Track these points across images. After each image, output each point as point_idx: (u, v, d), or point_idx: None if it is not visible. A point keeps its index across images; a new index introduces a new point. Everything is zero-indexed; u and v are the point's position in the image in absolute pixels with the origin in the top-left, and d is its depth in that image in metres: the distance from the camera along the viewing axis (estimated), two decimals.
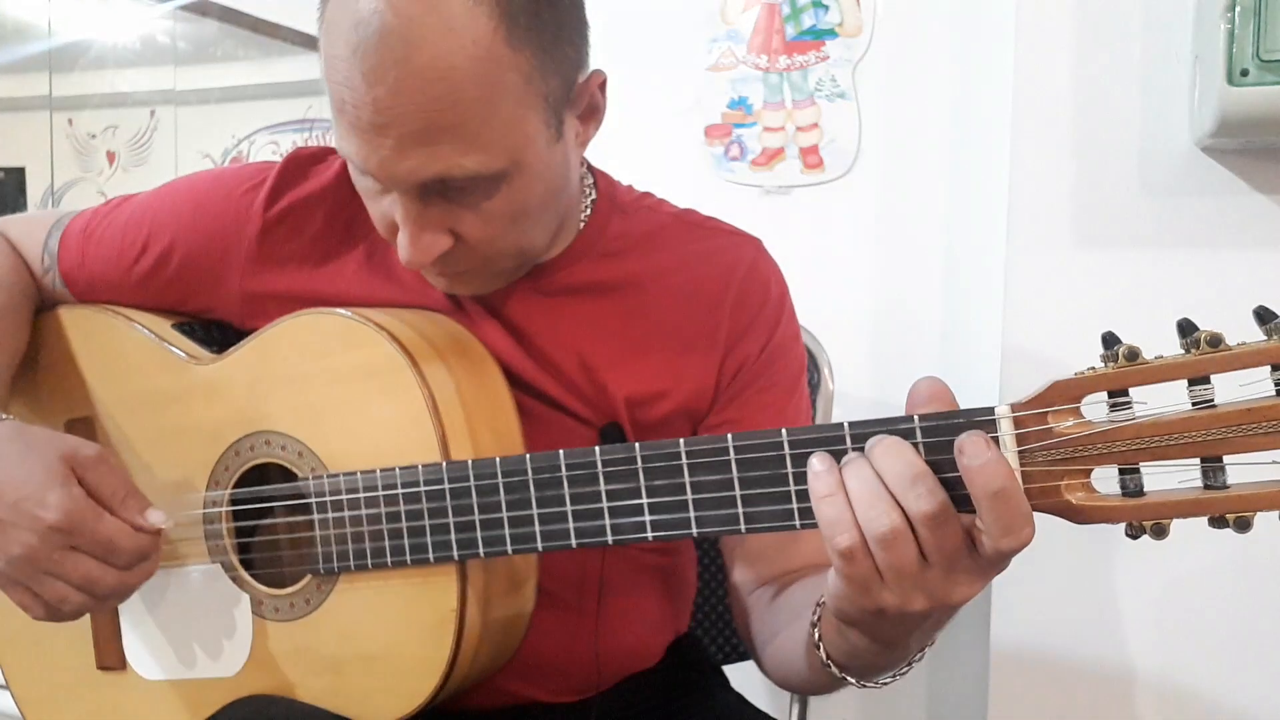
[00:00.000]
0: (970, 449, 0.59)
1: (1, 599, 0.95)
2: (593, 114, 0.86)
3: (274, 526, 0.89)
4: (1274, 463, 0.57)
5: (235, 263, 0.92)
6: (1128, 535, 0.60)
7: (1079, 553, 1.23)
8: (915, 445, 0.62)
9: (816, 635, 0.73)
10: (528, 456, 0.74)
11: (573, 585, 0.89)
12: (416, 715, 0.80)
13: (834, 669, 0.73)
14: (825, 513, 0.62)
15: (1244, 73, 1.06)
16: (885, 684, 0.75)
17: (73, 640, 0.94)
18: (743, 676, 1.11)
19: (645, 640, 0.96)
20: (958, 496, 0.61)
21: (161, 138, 2.11)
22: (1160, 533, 0.59)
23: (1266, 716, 1.19)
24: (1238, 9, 1.06)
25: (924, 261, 1.47)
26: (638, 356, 0.90)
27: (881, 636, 0.68)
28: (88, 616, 0.93)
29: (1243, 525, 0.57)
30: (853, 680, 0.74)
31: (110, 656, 0.93)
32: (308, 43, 1.98)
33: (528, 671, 0.87)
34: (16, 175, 2.21)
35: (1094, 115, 1.21)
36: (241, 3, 2.00)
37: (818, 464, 0.64)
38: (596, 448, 0.72)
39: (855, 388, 1.47)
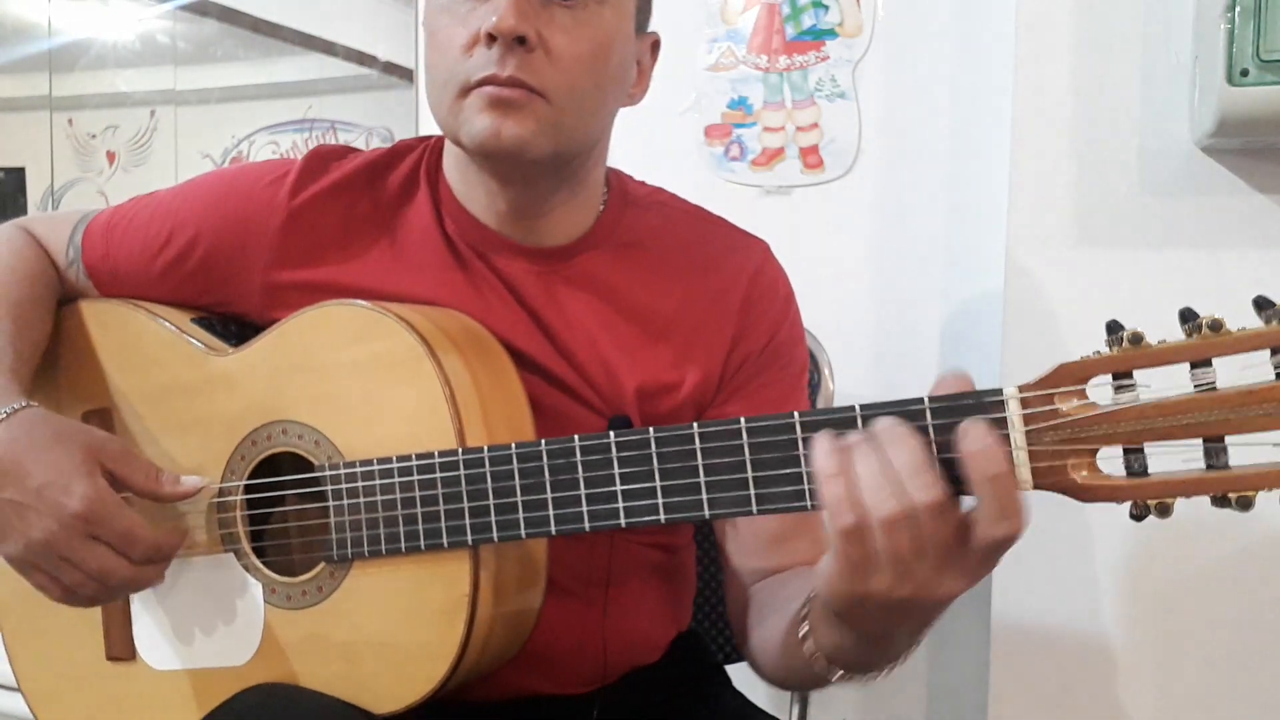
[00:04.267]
0: (971, 434, 0.61)
1: (9, 594, 0.96)
2: (642, 73, 0.93)
3: (287, 515, 0.90)
4: (1275, 444, 0.58)
5: (258, 254, 0.94)
6: (1132, 516, 0.61)
7: (1080, 539, 1.23)
8: (924, 427, 0.64)
9: (805, 628, 0.74)
10: (543, 441, 0.76)
11: (579, 577, 0.90)
12: (426, 702, 0.80)
13: (821, 659, 0.74)
14: (831, 491, 0.64)
15: (1244, 73, 1.06)
16: (867, 680, 0.76)
17: (82, 632, 0.95)
18: (744, 676, 1.11)
19: (650, 633, 0.97)
20: (960, 477, 0.62)
21: (161, 138, 2.11)
22: (1164, 512, 0.61)
23: (1267, 700, 1.19)
24: (1238, 9, 1.06)
25: (924, 261, 1.47)
26: (648, 349, 0.91)
27: (866, 628, 0.69)
28: (98, 608, 0.94)
29: (1244, 504, 0.59)
30: (836, 674, 0.75)
31: (120, 647, 0.93)
32: (307, 42, 1.99)
33: (533, 663, 0.88)
34: (16, 175, 2.21)
35: (1094, 115, 1.21)
36: (241, 3, 2.01)
37: (823, 443, 0.65)
38: (610, 432, 0.74)
39: (855, 388, 1.47)
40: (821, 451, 0.64)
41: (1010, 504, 0.61)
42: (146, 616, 0.93)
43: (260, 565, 0.87)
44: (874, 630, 0.69)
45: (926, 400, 0.64)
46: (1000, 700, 1.28)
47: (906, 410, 0.64)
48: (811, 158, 1.51)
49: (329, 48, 1.96)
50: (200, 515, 0.89)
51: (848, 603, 0.67)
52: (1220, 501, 0.59)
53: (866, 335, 1.50)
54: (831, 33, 1.50)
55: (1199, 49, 1.14)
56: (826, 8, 1.50)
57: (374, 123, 1.92)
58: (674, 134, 1.56)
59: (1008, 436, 0.62)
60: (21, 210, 2.21)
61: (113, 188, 2.15)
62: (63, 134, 2.18)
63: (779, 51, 1.52)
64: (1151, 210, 1.20)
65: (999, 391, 0.63)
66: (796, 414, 0.68)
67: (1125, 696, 1.24)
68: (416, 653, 0.80)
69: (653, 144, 1.55)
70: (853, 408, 0.66)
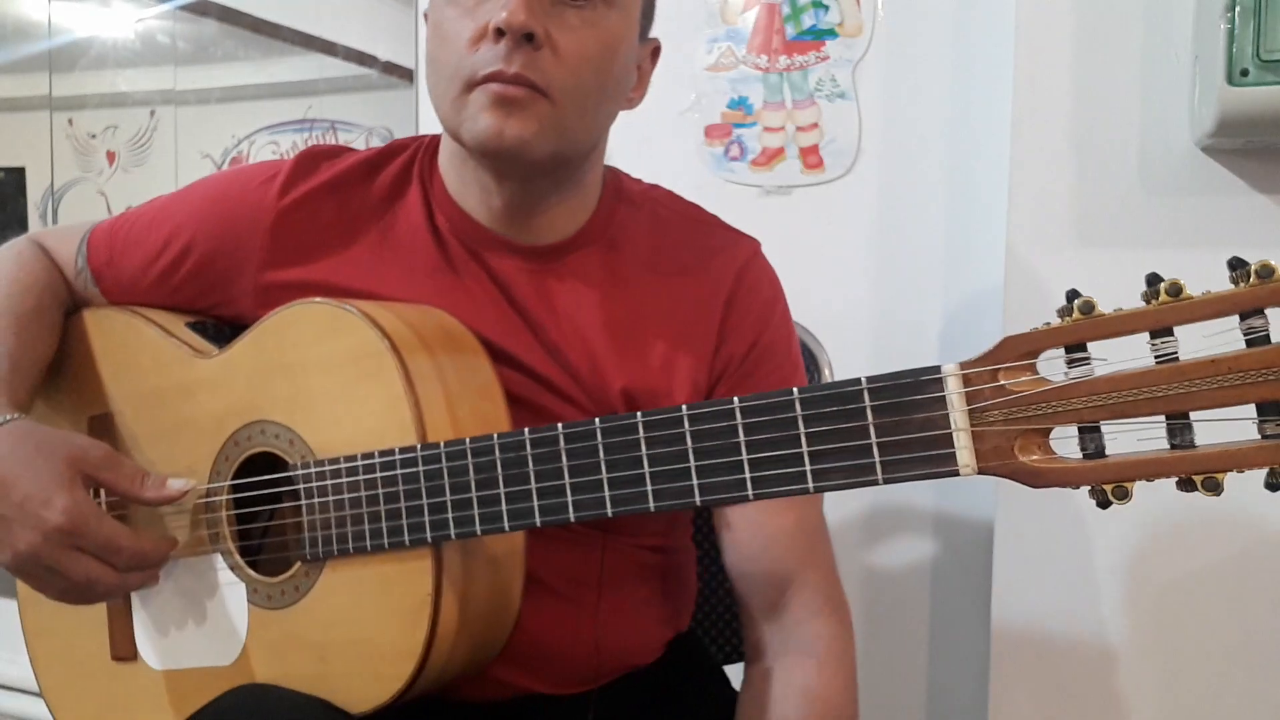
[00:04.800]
0: None
1: (30, 591, 0.97)
2: (642, 79, 0.93)
3: (270, 514, 0.91)
4: (1248, 420, 0.53)
5: (251, 255, 0.94)
6: (1095, 502, 0.57)
7: (1080, 539, 1.23)
8: (863, 409, 0.62)
9: None
10: (495, 435, 0.75)
11: (570, 578, 0.90)
12: (405, 702, 0.80)
13: None
14: None
15: (1244, 73, 1.06)
16: None
17: (92, 631, 0.96)
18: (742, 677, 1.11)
19: (644, 634, 0.97)
20: (903, 460, 0.61)
21: (161, 138, 2.11)
22: (1123, 496, 0.56)
23: (1268, 701, 1.19)
24: (1238, 9, 1.06)
25: (924, 261, 1.47)
26: (636, 350, 0.91)
27: None
28: (104, 609, 0.95)
29: (1211, 486, 0.54)
30: None
31: (123, 647, 0.94)
32: (308, 43, 1.99)
33: (526, 662, 0.88)
34: (16, 175, 2.21)
35: (1094, 115, 1.21)
36: (241, 3, 2.01)
37: None
38: (559, 424, 0.73)
39: None
40: None
41: None
42: (146, 617, 0.94)
43: (244, 565, 0.88)
44: None
45: (864, 381, 0.62)
46: (1000, 700, 1.27)
47: (843, 392, 0.62)
48: (811, 158, 1.51)
49: (329, 48, 1.96)
50: (188, 517, 0.90)
51: None
52: (1185, 484, 0.54)
53: (866, 335, 1.50)
54: (831, 33, 1.50)
55: (1199, 49, 1.14)
56: (826, 8, 1.50)
57: (374, 123, 1.92)
58: (674, 134, 1.56)
59: (949, 417, 0.59)
60: (21, 210, 2.22)
61: (113, 188, 2.15)
62: (63, 134, 2.18)
63: (779, 51, 1.52)
64: (1151, 210, 1.20)
65: (937, 369, 0.60)
66: (736, 400, 0.66)
67: (1125, 696, 1.24)
68: (384, 653, 0.80)
69: (653, 144, 1.55)
70: (790, 391, 0.64)
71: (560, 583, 0.89)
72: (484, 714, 0.89)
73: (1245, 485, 0.56)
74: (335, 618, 0.83)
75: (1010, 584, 1.26)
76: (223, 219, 0.95)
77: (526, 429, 0.74)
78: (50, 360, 0.97)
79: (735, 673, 1.09)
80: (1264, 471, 0.53)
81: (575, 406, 0.89)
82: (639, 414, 0.70)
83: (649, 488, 0.70)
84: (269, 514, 0.93)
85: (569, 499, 0.73)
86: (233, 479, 0.88)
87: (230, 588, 0.88)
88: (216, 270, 0.95)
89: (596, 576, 0.91)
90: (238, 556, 0.88)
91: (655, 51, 0.95)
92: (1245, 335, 0.53)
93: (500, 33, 0.80)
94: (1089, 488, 0.57)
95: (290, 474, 0.84)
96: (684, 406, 0.68)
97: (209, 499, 0.89)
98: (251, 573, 0.87)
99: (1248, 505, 1.16)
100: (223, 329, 0.99)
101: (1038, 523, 1.24)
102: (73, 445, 0.83)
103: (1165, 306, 0.54)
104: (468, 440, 0.76)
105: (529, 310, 0.91)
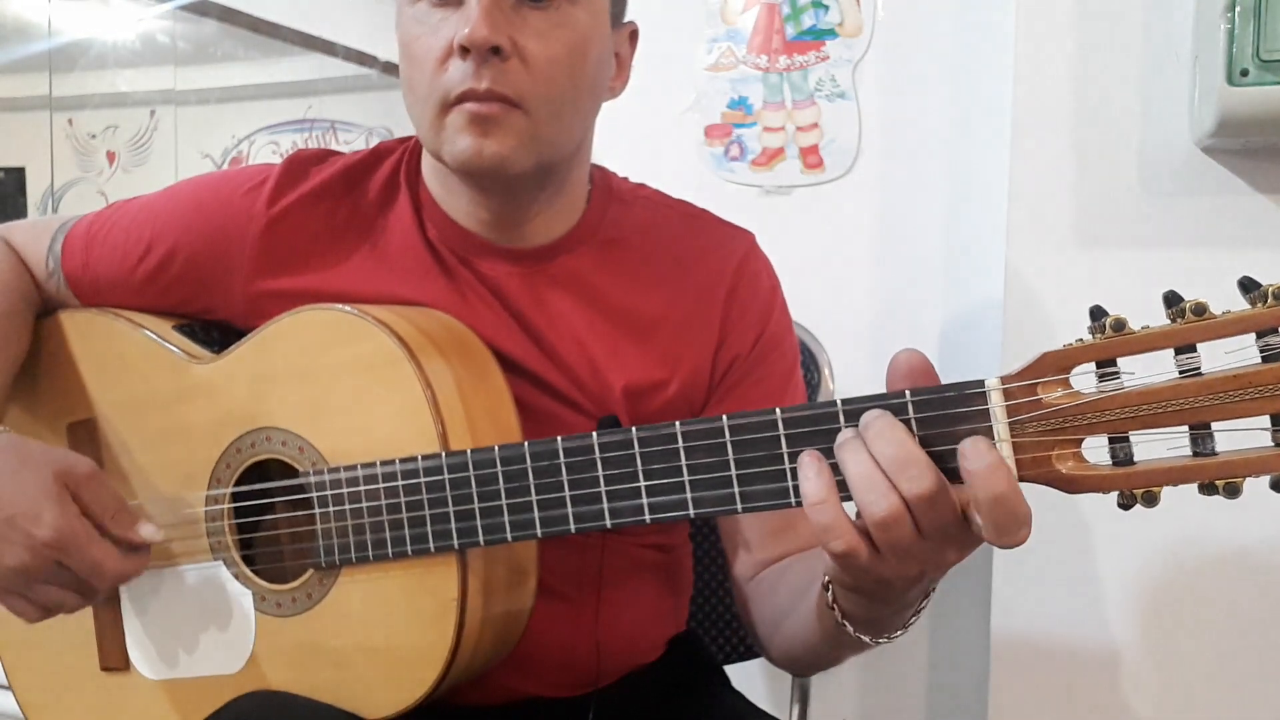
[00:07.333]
0: (973, 454, 0.59)
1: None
2: (621, 66, 0.92)
3: (276, 522, 0.89)
4: (1262, 429, 0.57)
5: (239, 263, 0.93)
6: (1120, 505, 0.61)
7: (1080, 540, 1.23)
8: (908, 421, 0.63)
9: (831, 596, 0.73)
10: (526, 444, 0.75)
11: (571, 579, 0.90)
12: (419, 706, 0.80)
13: (849, 627, 0.73)
14: (820, 519, 0.63)
15: (1244, 73, 1.06)
16: (896, 637, 0.75)
17: (76, 642, 0.94)
18: (743, 676, 1.11)
19: (644, 633, 0.97)
20: (950, 470, 0.61)
21: (161, 138, 2.11)
22: (1151, 501, 0.60)
23: (1268, 704, 1.19)
24: (1238, 9, 1.06)
25: (924, 261, 1.47)
26: (636, 346, 0.91)
27: (880, 596, 0.69)
28: (91, 618, 0.94)
29: (1232, 491, 0.58)
30: (866, 638, 0.74)
31: (113, 657, 0.93)
32: (308, 43, 1.99)
33: (526, 665, 0.88)
34: (16, 175, 2.21)
35: (1094, 115, 1.21)
36: (241, 3, 2.01)
37: (809, 466, 0.64)
38: (594, 433, 0.73)
39: (855, 388, 1.46)
40: (805, 477, 0.64)
41: (1013, 520, 0.60)
42: (139, 626, 0.92)
43: (250, 574, 0.87)
44: (886, 597, 0.69)
45: (908, 395, 0.63)
46: (1000, 700, 1.27)
47: (888, 404, 0.63)
48: (811, 158, 1.51)
49: (329, 48, 1.97)
50: (188, 525, 0.89)
51: (855, 584, 0.68)
52: (1207, 489, 0.58)
53: (866, 335, 1.50)
54: (831, 33, 1.50)
55: (1199, 49, 1.14)
56: (826, 8, 1.50)
57: (374, 123, 1.92)
58: (674, 134, 1.55)
59: (992, 429, 0.61)
60: (21, 210, 2.22)
61: (113, 188, 2.16)
62: (63, 134, 2.18)
63: (779, 51, 1.51)
64: (1151, 210, 1.20)
65: (980, 383, 0.62)
66: (778, 411, 0.67)
67: (1125, 697, 1.23)
68: (407, 658, 0.80)
69: (653, 144, 1.55)
70: (834, 403, 0.65)
71: (560, 584, 0.89)
72: (482, 717, 0.89)
73: (1245, 488, 0.59)
74: (353, 624, 0.82)
75: (1010, 585, 1.26)
76: (209, 226, 0.93)
77: (559, 437, 0.74)
78: (20, 364, 0.95)
79: (735, 672, 1.09)
80: (1268, 475, 0.58)
81: (576, 409, 0.89)
82: (677, 423, 0.70)
83: (689, 495, 0.70)
84: (257, 524, 0.91)
85: (605, 506, 0.73)
86: (234, 487, 0.87)
87: (235, 596, 0.87)
88: (203, 277, 0.94)
89: (595, 576, 0.91)
90: (242, 565, 0.87)
91: (633, 35, 0.93)
92: (1261, 352, 0.57)
93: (466, 50, 0.79)
94: (1118, 493, 0.60)
95: (302, 481, 0.83)
96: (724, 417, 0.68)
97: (210, 507, 0.88)
98: (259, 580, 0.86)
99: (1247, 508, 1.16)
100: (211, 332, 0.97)
101: (1037, 524, 1.24)
102: (59, 460, 0.82)
103: (1191, 325, 0.57)
104: (496, 448, 0.76)
105: (524, 314, 0.90)
